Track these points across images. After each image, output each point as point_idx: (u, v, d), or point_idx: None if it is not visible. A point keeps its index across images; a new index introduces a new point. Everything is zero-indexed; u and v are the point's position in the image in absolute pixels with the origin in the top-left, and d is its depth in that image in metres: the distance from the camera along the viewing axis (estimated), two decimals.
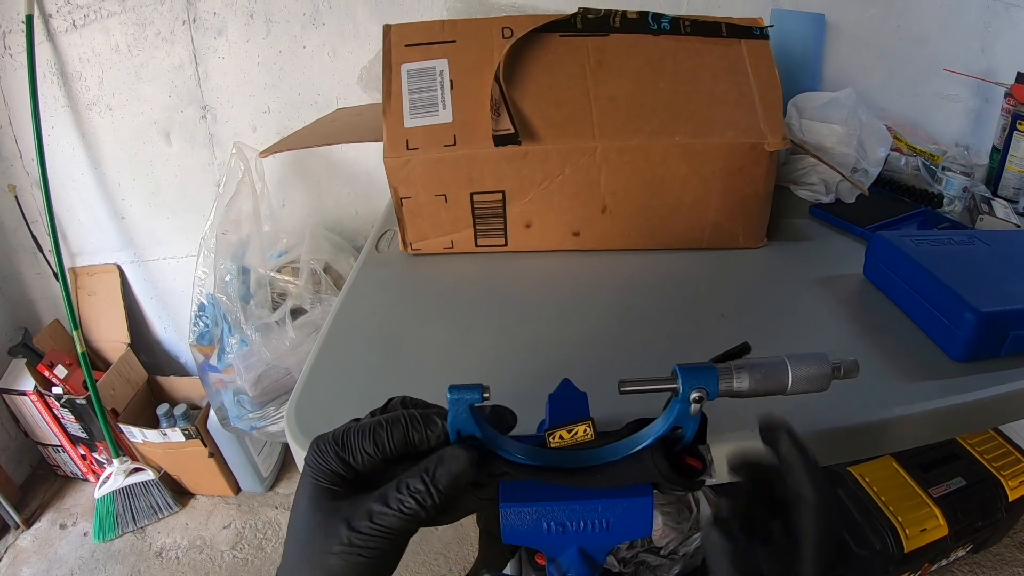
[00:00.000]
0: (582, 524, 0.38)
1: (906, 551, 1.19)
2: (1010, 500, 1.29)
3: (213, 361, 1.33)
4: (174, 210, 1.69)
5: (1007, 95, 1.13)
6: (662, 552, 1.05)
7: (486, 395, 0.36)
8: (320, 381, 0.67)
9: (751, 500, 0.38)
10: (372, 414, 0.40)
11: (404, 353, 0.71)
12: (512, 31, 0.82)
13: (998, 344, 0.63)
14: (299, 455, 0.57)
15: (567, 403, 0.47)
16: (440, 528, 1.68)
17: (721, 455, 0.53)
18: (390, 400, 0.41)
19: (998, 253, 0.74)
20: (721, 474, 0.53)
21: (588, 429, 0.39)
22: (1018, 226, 0.95)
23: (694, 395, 0.36)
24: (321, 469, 0.36)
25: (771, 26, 0.87)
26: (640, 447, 0.38)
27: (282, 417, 1.09)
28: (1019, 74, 1.13)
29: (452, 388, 0.36)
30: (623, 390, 0.38)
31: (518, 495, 0.38)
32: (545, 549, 0.39)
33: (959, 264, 0.70)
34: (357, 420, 0.40)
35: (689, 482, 0.39)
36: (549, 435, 0.39)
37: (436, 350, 0.71)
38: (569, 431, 0.39)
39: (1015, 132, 1.09)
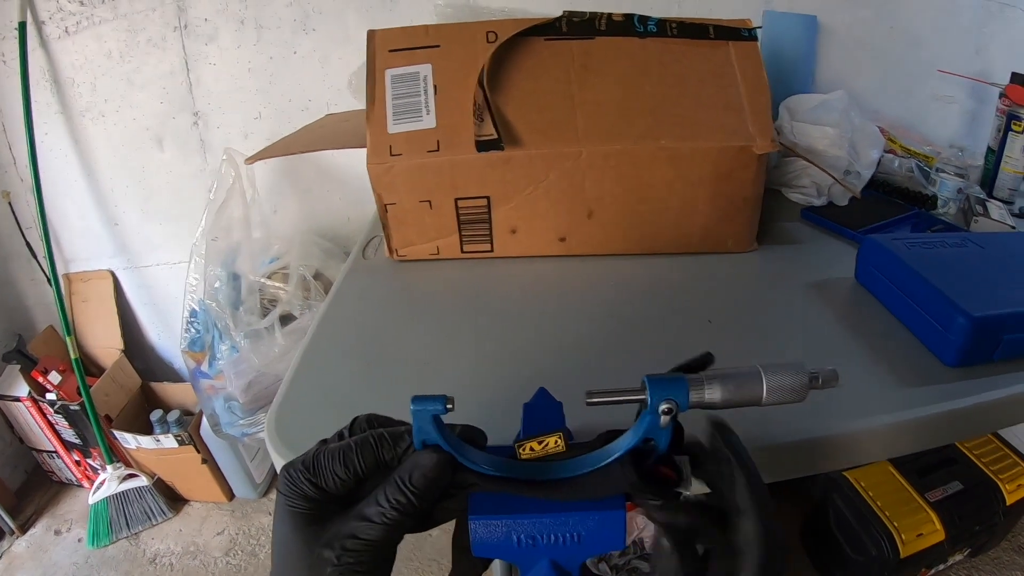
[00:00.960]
0: (553, 537, 0.37)
1: (903, 556, 1.18)
2: (1008, 504, 1.28)
3: (204, 368, 1.33)
4: (167, 216, 1.69)
5: (1002, 95, 1.13)
6: None
7: (449, 406, 0.36)
8: (301, 390, 0.66)
9: (697, 510, 0.38)
10: (340, 435, 0.40)
11: (387, 361, 0.70)
12: (496, 35, 0.81)
13: (991, 349, 0.62)
14: (279, 464, 0.56)
15: (542, 412, 0.46)
16: (433, 534, 1.67)
17: None
18: (355, 419, 0.41)
19: (992, 256, 0.73)
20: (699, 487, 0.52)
21: (559, 440, 0.38)
22: (1013, 227, 0.94)
23: (663, 407, 0.36)
24: (295, 494, 0.36)
25: (759, 27, 0.86)
26: (611, 459, 0.38)
27: None
28: (1014, 74, 1.12)
29: (415, 399, 0.36)
30: (589, 401, 0.37)
31: (487, 507, 0.37)
32: (516, 562, 0.39)
33: (952, 267, 0.69)
34: (325, 441, 0.39)
35: (662, 491, 0.38)
36: (519, 446, 0.38)
37: (419, 358, 0.70)
38: (540, 442, 0.38)
39: (1010, 132, 1.08)
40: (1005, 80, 1.14)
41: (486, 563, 0.46)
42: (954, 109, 1.37)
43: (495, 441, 0.41)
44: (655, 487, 0.38)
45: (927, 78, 1.33)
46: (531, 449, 0.38)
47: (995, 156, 1.11)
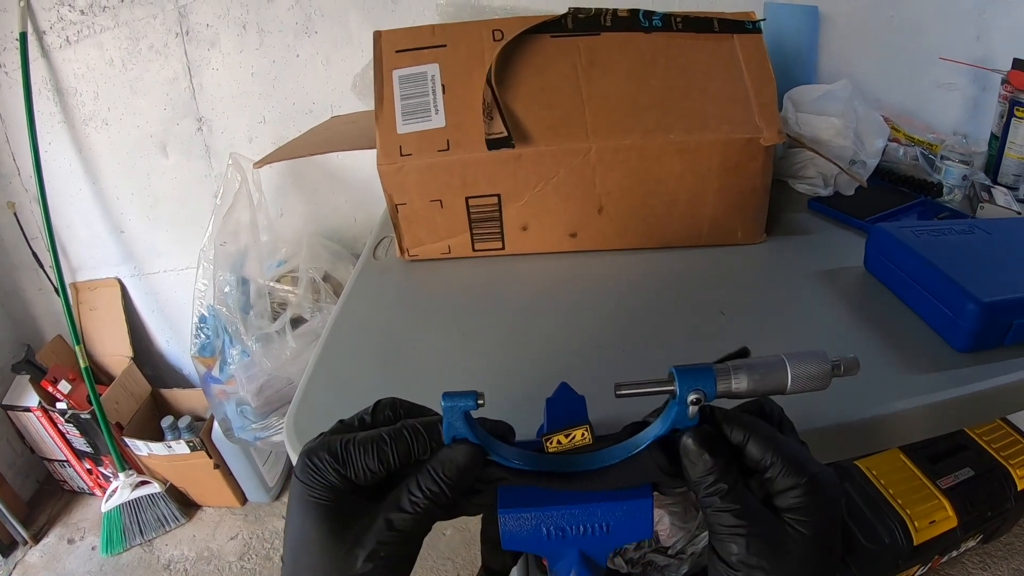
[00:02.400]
0: (582, 528, 0.38)
1: (915, 544, 1.18)
2: (1019, 489, 1.28)
3: (215, 372, 1.33)
4: (173, 222, 1.69)
5: (1004, 81, 1.12)
6: (669, 552, 1.04)
7: (480, 401, 0.36)
8: (318, 391, 0.67)
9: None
10: (360, 418, 0.39)
11: (403, 360, 0.70)
12: (503, 33, 0.81)
13: (1001, 333, 0.63)
14: None
15: (565, 407, 0.47)
16: (447, 533, 1.68)
17: None
18: (378, 403, 0.40)
19: (999, 241, 0.73)
20: None
21: (586, 433, 0.38)
22: (1019, 213, 0.94)
23: (691, 397, 0.36)
24: (319, 484, 0.35)
25: (764, 20, 0.86)
26: (638, 450, 0.38)
27: None
28: (1015, 60, 1.12)
29: (446, 395, 0.36)
30: (619, 393, 0.38)
31: (516, 500, 0.38)
32: (545, 554, 0.39)
33: (960, 254, 0.70)
34: (342, 422, 0.39)
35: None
36: (546, 440, 0.38)
37: (435, 356, 0.70)
38: (566, 435, 0.38)
39: (1013, 118, 1.08)
40: (1007, 66, 1.13)
41: (515, 556, 0.47)
42: (956, 96, 1.37)
43: (518, 436, 0.41)
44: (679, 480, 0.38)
45: (929, 66, 1.33)
46: (558, 442, 0.38)
47: (999, 142, 1.11)
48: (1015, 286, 0.63)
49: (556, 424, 0.40)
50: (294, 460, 0.59)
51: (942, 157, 1.07)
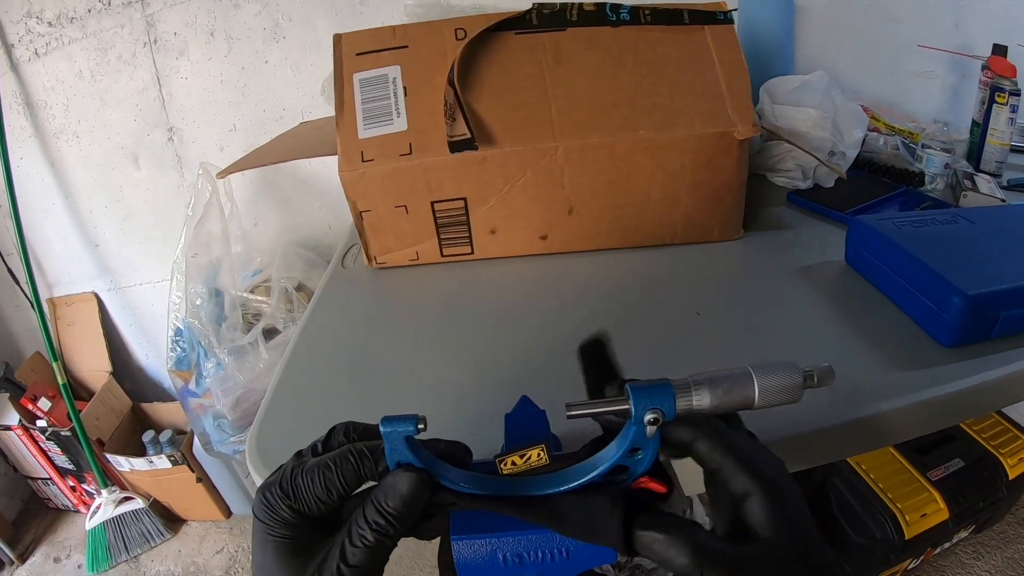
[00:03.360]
0: (540, 555, 0.36)
1: (907, 538, 1.17)
2: (1010, 478, 1.27)
3: (192, 386, 1.31)
4: (147, 235, 1.67)
5: (984, 68, 1.11)
6: None
7: (421, 426, 0.34)
8: (283, 406, 0.64)
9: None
10: (314, 447, 0.38)
11: (370, 372, 0.68)
12: (466, 32, 0.79)
13: (988, 327, 0.61)
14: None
15: (525, 423, 0.45)
16: (435, 540, 1.64)
17: (690, 469, 0.51)
18: (332, 429, 0.39)
19: (983, 231, 0.71)
20: (689, 488, 0.50)
21: (542, 453, 0.36)
22: (1003, 200, 0.93)
23: (649, 416, 0.34)
24: (274, 520, 0.34)
25: (735, 10, 0.85)
26: (596, 472, 0.36)
27: None
28: (995, 45, 1.11)
29: (385, 420, 0.34)
30: (569, 414, 0.35)
31: (470, 526, 0.36)
32: None
33: (943, 245, 0.68)
34: (300, 454, 0.37)
35: (655, 515, 0.37)
36: (500, 461, 0.36)
37: (403, 367, 0.68)
38: (521, 456, 0.36)
39: (994, 104, 1.07)
40: (985, 53, 1.12)
41: None
42: (936, 84, 1.36)
43: (482, 453, 0.39)
44: (643, 513, 0.36)
45: (907, 54, 1.32)
46: (513, 464, 0.36)
47: (980, 129, 1.10)
48: (1001, 277, 0.61)
49: (515, 442, 0.38)
50: (257, 480, 0.57)
51: (923, 146, 1.06)
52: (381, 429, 0.34)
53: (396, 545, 0.35)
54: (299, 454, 0.37)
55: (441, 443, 0.38)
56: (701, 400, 0.35)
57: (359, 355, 0.71)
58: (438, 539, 0.38)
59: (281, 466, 0.36)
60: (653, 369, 0.39)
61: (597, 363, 0.39)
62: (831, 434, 0.55)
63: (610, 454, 0.36)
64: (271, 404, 0.65)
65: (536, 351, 0.68)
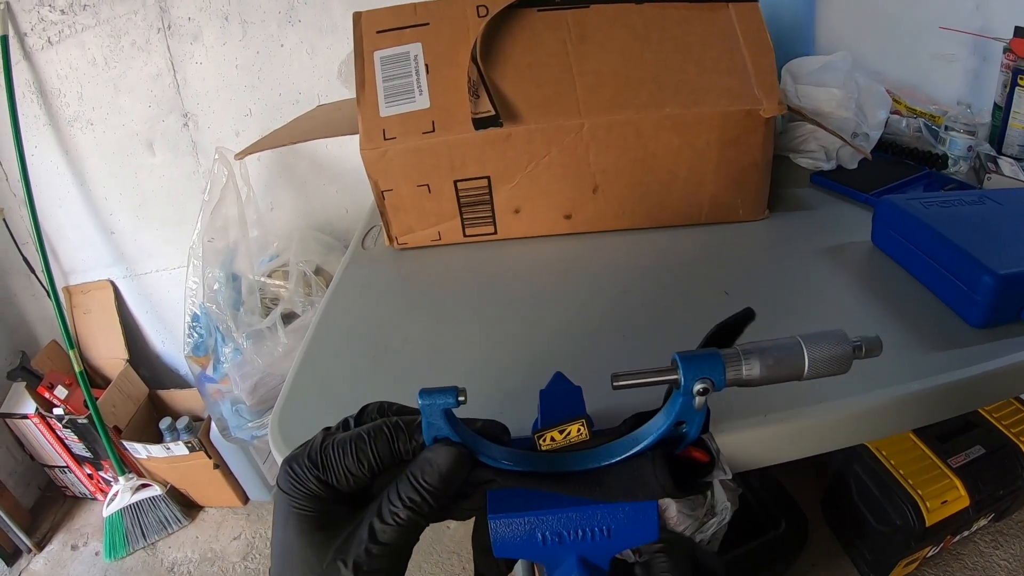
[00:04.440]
0: (580, 533, 0.35)
1: (927, 525, 1.16)
2: None
3: (209, 372, 1.31)
4: (163, 221, 1.67)
5: (1006, 50, 1.09)
6: None
7: (461, 398, 0.33)
8: (305, 390, 0.64)
9: None
10: (345, 423, 0.37)
11: (393, 353, 0.67)
12: (487, 9, 0.78)
13: (1017, 307, 0.60)
14: None
15: (560, 399, 0.44)
16: (451, 526, 1.66)
17: (727, 446, 0.50)
18: (365, 407, 0.38)
19: (1011, 212, 0.70)
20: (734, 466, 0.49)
21: (582, 428, 0.35)
22: None
23: (698, 387, 0.32)
24: (301, 494, 0.33)
25: None
26: (640, 446, 0.35)
27: None
28: (1017, 28, 1.09)
29: (423, 393, 0.33)
30: (616, 384, 0.34)
31: (507, 504, 0.35)
32: (542, 560, 0.36)
33: (972, 225, 0.67)
34: (328, 430, 0.36)
35: (697, 484, 0.36)
36: (539, 437, 0.35)
37: (426, 348, 0.68)
38: (561, 432, 0.35)
39: (1017, 87, 1.05)
40: (1007, 35, 1.10)
41: (511, 563, 0.44)
42: (957, 67, 1.34)
43: (514, 431, 0.38)
44: (689, 484, 0.35)
45: (928, 36, 1.30)
46: (552, 439, 0.35)
47: (1002, 113, 1.08)
48: None
49: (551, 418, 0.37)
50: (279, 462, 0.56)
51: (946, 128, 1.05)
52: (420, 401, 0.33)
53: (428, 524, 0.34)
54: (327, 429, 0.36)
55: (478, 422, 0.36)
56: (751, 370, 0.34)
57: (381, 336, 0.71)
58: (453, 526, 0.37)
59: (308, 440, 0.35)
60: (684, 349, 0.38)
61: (728, 329, 0.37)
62: (861, 416, 0.54)
63: (656, 426, 0.35)
64: (293, 387, 0.64)
65: (563, 331, 0.67)
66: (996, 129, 1.10)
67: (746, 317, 0.37)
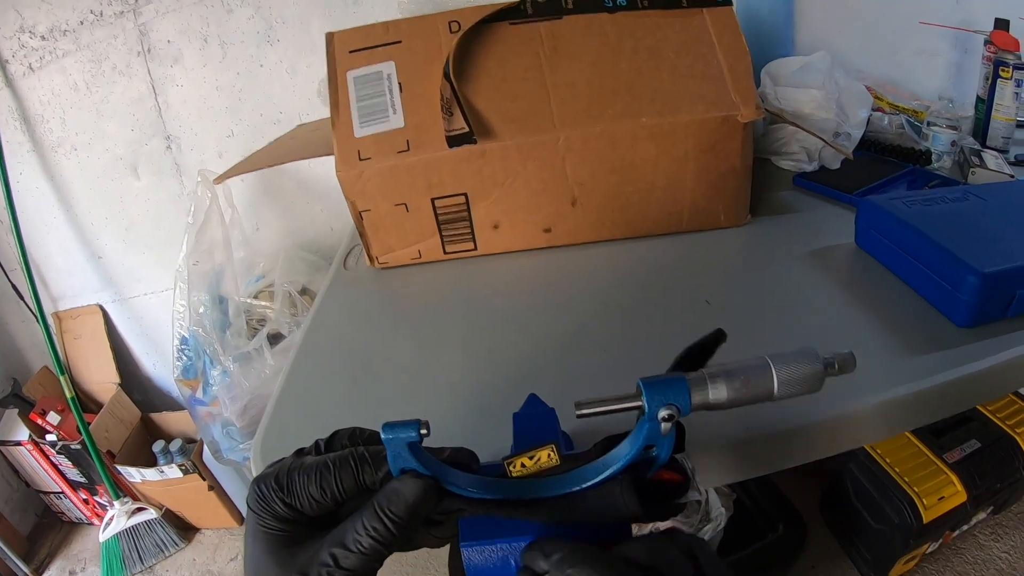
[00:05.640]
0: None
1: (925, 521, 1.15)
2: None
3: (199, 395, 1.30)
4: (149, 245, 1.66)
5: (987, 43, 1.10)
6: None
7: (424, 431, 0.33)
8: (287, 412, 0.64)
9: None
10: (317, 445, 0.37)
11: (375, 375, 0.67)
12: (460, 24, 0.78)
13: (1004, 305, 0.59)
14: None
15: (534, 422, 0.43)
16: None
17: (704, 461, 0.49)
18: (336, 433, 0.38)
19: (995, 207, 0.70)
20: (704, 481, 0.48)
21: (552, 454, 0.35)
22: (1012, 176, 0.91)
23: (663, 413, 0.32)
24: (267, 514, 0.33)
25: None
26: (609, 472, 0.34)
27: None
28: (997, 20, 1.09)
29: (386, 427, 0.33)
30: (579, 414, 0.34)
31: (479, 532, 0.35)
32: None
33: (955, 223, 0.66)
34: (301, 451, 0.37)
35: (671, 507, 0.35)
36: (509, 464, 0.35)
37: (407, 369, 0.67)
38: (531, 457, 0.35)
39: (998, 79, 1.06)
40: (988, 27, 1.10)
41: None
42: (939, 61, 1.34)
43: (491, 453, 0.38)
44: (659, 506, 0.35)
45: (909, 32, 1.30)
46: (522, 466, 0.35)
47: (985, 105, 1.08)
48: (1015, 254, 0.60)
49: (524, 441, 0.37)
50: None
51: (928, 123, 1.04)
52: (382, 436, 0.33)
53: (391, 553, 0.34)
54: (300, 451, 0.37)
55: (446, 450, 0.36)
56: (718, 393, 0.33)
57: (364, 357, 0.70)
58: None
59: (278, 460, 0.35)
60: (665, 363, 0.37)
61: (698, 351, 0.37)
62: (849, 422, 0.53)
63: (624, 452, 0.34)
64: (276, 409, 0.64)
65: (544, 347, 0.67)
66: (980, 122, 1.10)
67: (716, 338, 0.37)
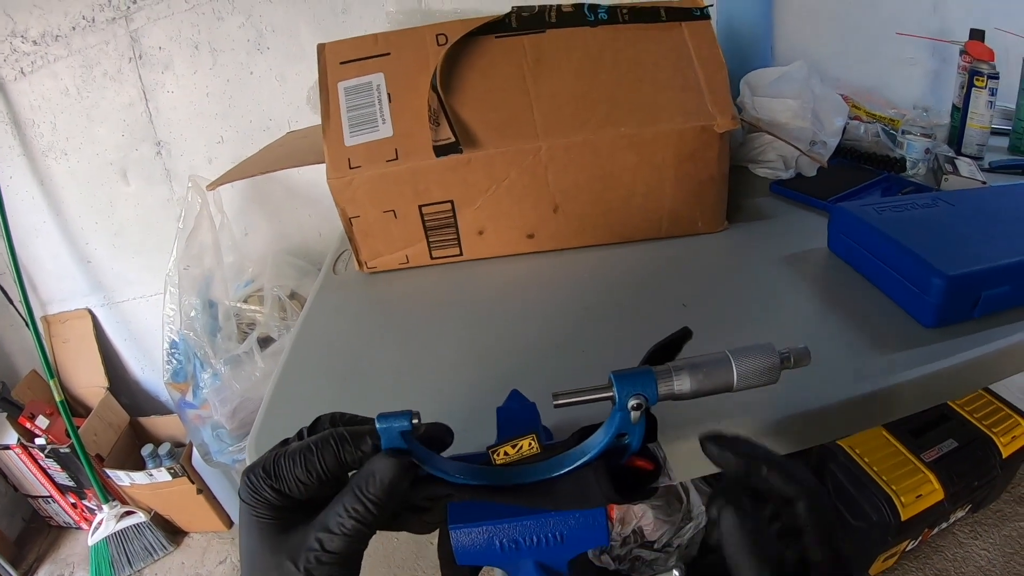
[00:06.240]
0: (535, 539, 0.37)
1: (903, 519, 1.18)
2: (1004, 457, 1.28)
3: (189, 398, 1.31)
4: (139, 249, 1.66)
5: (962, 52, 1.13)
6: (655, 546, 1.03)
7: (415, 420, 0.35)
8: (280, 413, 0.65)
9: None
10: (300, 434, 0.39)
11: (364, 376, 0.69)
12: (447, 37, 0.80)
13: (970, 306, 0.62)
14: None
15: (517, 415, 0.46)
16: (435, 541, 1.65)
17: (681, 453, 0.52)
18: (318, 418, 0.40)
19: (963, 213, 0.73)
20: (680, 473, 0.51)
21: (532, 443, 0.37)
22: (984, 183, 0.94)
23: (632, 402, 0.35)
24: (258, 502, 0.35)
25: (711, 5, 0.85)
26: (585, 458, 0.37)
27: None
28: (972, 30, 1.12)
29: (380, 417, 0.35)
30: (556, 403, 0.37)
31: (467, 515, 0.37)
32: (502, 566, 0.38)
33: (924, 228, 0.69)
34: (287, 441, 0.38)
35: (642, 491, 0.38)
36: (493, 452, 0.37)
37: (396, 370, 0.69)
38: (513, 446, 0.37)
39: (973, 88, 1.09)
40: (964, 37, 1.14)
41: (475, 570, 0.46)
42: (916, 70, 1.37)
43: (476, 447, 0.40)
44: (631, 490, 0.37)
45: (887, 41, 1.33)
46: (505, 454, 0.37)
47: (960, 113, 1.11)
48: (981, 257, 0.63)
49: (507, 433, 0.39)
50: None
51: (903, 132, 1.07)
52: (377, 426, 0.35)
53: (375, 532, 0.35)
54: (285, 441, 0.38)
55: (422, 427, 0.38)
56: (682, 385, 0.36)
57: (353, 359, 0.72)
58: (428, 548, 0.39)
59: (266, 452, 0.37)
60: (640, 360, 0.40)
61: (666, 348, 0.40)
62: (820, 416, 0.56)
63: (598, 440, 0.37)
64: (268, 412, 0.65)
65: (526, 347, 0.69)
66: (955, 130, 1.13)
67: (683, 336, 0.39)
